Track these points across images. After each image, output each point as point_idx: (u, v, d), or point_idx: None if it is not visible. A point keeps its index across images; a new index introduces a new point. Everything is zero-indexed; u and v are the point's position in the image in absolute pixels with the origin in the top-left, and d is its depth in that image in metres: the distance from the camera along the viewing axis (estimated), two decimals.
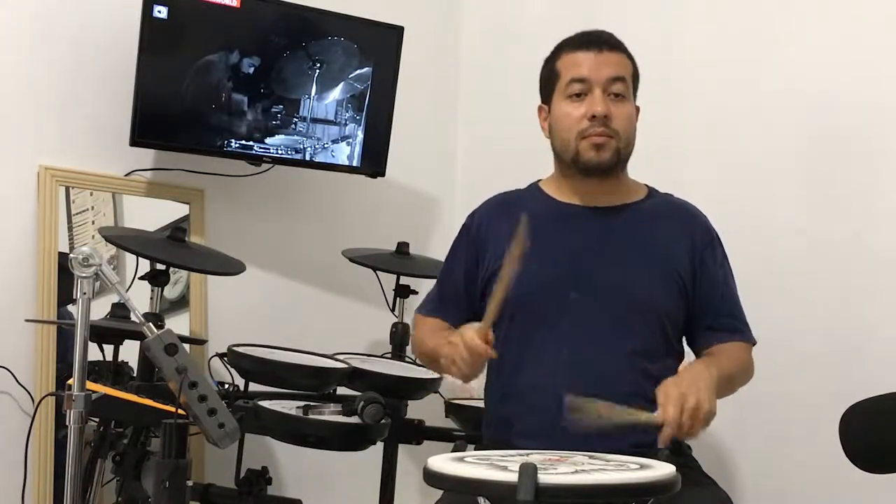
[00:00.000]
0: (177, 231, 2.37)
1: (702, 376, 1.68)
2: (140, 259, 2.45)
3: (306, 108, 2.71)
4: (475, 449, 1.85)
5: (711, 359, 1.86)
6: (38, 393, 2.39)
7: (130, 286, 2.43)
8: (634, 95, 1.93)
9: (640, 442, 1.78)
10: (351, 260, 2.72)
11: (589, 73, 1.87)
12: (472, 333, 1.69)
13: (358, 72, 2.77)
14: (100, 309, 2.35)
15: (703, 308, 1.92)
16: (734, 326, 1.93)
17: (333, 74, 2.73)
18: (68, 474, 1.65)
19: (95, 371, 2.26)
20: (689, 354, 1.98)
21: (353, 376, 2.31)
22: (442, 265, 2.08)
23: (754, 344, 1.95)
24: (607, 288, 1.86)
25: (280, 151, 2.70)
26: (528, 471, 1.21)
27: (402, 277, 2.80)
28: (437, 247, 3.01)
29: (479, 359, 1.69)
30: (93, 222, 2.56)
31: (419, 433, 2.48)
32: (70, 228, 2.53)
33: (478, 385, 2.05)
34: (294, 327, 2.81)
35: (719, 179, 2.59)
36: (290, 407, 2.09)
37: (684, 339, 1.97)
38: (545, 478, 1.22)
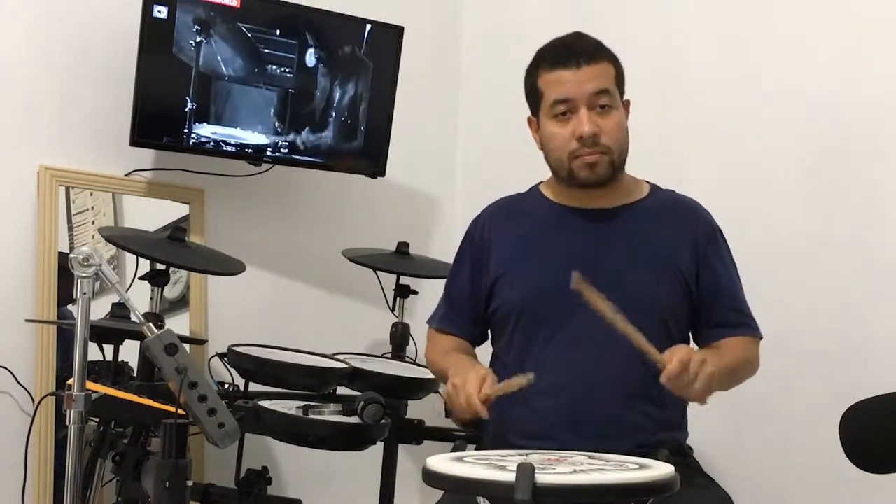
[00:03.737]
0: (177, 231, 2.37)
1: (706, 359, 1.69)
2: (140, 259, 2.45)
3: (306, 107, 2.71)
4: (475, 449, 1.85)
5: (714, 351, 1.85)
6: (38, 393, 2.39)
7: (130, 286, 2.43)
8: (622, 93, 1.90)
9: (641, 443, 1.78)
10: (351, 260, 2.72)
11: (571, 93, 1.83)
12: (475, 389, 1.68)
13: (358, 72, 2.77)
14: (100, 309, 2.35)
15: (708, 303, 1.91)
16: (739, 321, 1.92)
17: (334, 73, 2.73)
18: (68, 474, 1.65)
19: (95, 371, 2.26)
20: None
21: (353, 376, 2.31)
22: (450, 270, 2.07)
23: (760, 338, 1.94)
24: (610, 288, 1.85)
25: (280, 151, 2.70)
26: (526, 471, 1.21)
27: (402, 277, 2.80)
28: (437, 247, 3.02)
29: (475, 415, 1.69)
30: (93, 222, 2.56)
31: (419, 433, 2.48)
32: (70, 228, 2.53)
33: None
34: (294, 327, 2.81)
35: (719, 179, 2.59)
36: (290, 407, 2.09)
37: (690, 336, 1.97)
38: (543, 477, 1.22)
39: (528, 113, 2.00)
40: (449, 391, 1.74)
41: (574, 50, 1.86)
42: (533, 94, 1.92)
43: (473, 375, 1.70)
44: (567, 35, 1.92)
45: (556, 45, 1.91)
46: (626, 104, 1.91)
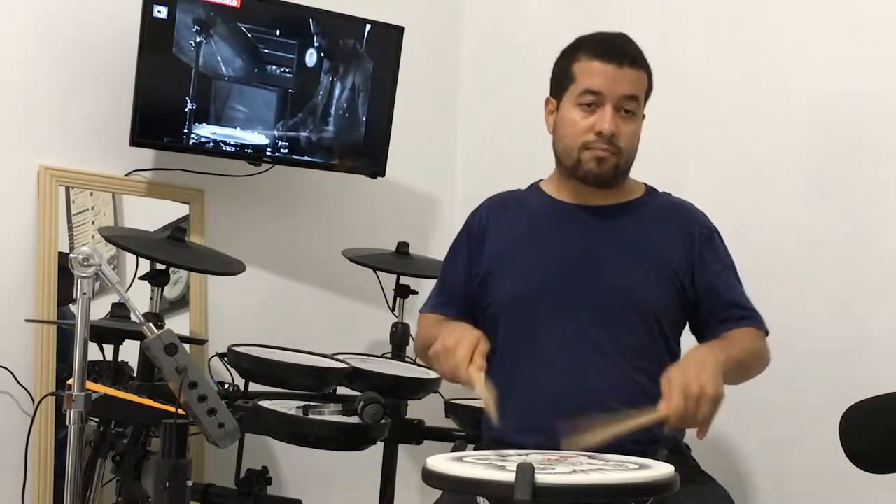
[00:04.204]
0: (177, 231, 2.37)
1: (706, 361, 1.65)
2: (140, 259, 2.45)
3: (306, 108, 2.71)
4: (475, 449, 1.85)
5: (718, 342, 1.83)
6: (38, 393, 2.39)
7: (130, 286, 2.43)
8: (644, 106, 1.93)
9: (639, 439, 1.78)
10: (351, 260, 2.72)
11: (604, 88, 1.84)
12: (465, 358, 1.64)
13: (358, 72, 2.77)
14: (100, 309, 2.35)
15: (707, 303, 1.91)
16: (741, 315, 1.91)
17: (333, 73, 2.73)
18: (68, 474, 1.65)
19: (95, 371, 2.26)
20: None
21: (353, 376, 2.31)
22: (444, 259, 2.08)
23: (766, 332, 1.92)
24: (603, 287, 1.86)
25: (280, 151, 2.70)
26: (526, 471, 1.21)
27: (402, 277, 2.80)
28: (437, 247, 3.01)
29: (461, 381, 1.66)
30: (93, 222, 2.56)
31: (419, 433, 2.48)
32: (70, 228, 2.53)
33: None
34: (294, 327, 2.82)
35: (719, 179, 2.59)
36: (290, 407, 2.09)
37: (693, 336, 1.96)
38: (542, 477, 1.22)
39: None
40: (437, 350, 1.69)
41: (620, 49, 1.88)
42: (563, 77, 1.91)
43: (467, 340, 1.67)
44: (616, 33, 1.92)
45: (604, 38, 1.91)
46: (642, 117, 1.93)
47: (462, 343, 1.67)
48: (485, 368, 1.65)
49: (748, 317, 1.91)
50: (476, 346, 1.67)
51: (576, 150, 1.87)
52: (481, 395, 1.62)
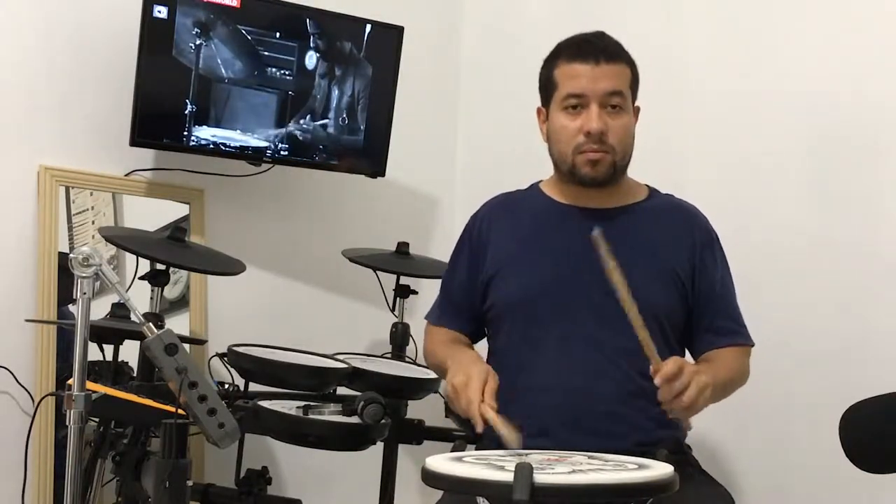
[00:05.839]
0: (177, 231, 2.36)
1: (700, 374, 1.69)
2: (140, 259, 2.45)
3: (306, 108, 2.71)
4: (475, 449, 1.85)
5: (707, 365, 1.86)
6: (38, 393, 2.39)
7: (130, 286, 2.43)
8: (634, 98, 1.92)
9: (641, 441, 1.78)
10: (351, 260, 2.72)
11: (585, 89, 1.84)
12: (476, 397, 1.63)
13: (358, 72, 2.77)
14: (100, 309, 2.35)
15: (701, 309, 1.92)
16: (732, 329, 1.93)
17: (333, 74, 2.73)
18: (68, 474, 1.65)
19: (95, 371, 2.26)
20: (687, 357, 1.98)
21: (353, 376, 2.31)
22: (446, 268, 2.08)
23: (752, 346, 1.95)
24: (604, 289, 1.85)
25: (280, 151, 2.70)
26: (524, 471, 1.21)
27: (402, 277, 2.80)
28: (437, 247, 3.01)
29: (471, 418, 1.64)
30: (93, 222, 2.56)
31: (419, 433, 2.48)
32: (70, 228, 2.53)
33: None
34: (294, 327, 2.81)
35: (719, 179, 2.59)
36: (290, 407, 2.09)
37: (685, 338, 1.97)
38: (541, 477, 1.22)
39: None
40: (450, 393, 1.71)
41: (595, 46, 1.88)
42: (547, 85, 1.92)
43: (476, 378, 1.67)
44: (590, 32, 1.93)
45: (578, 40, 1.91)
46: (636, 110, 1.93)
47: (471, 382, 1.66)
48: (496, 408, 1.63)
49: (736, 332, 1.94)
50: (485, 384, 1.66)
51: (570, 155, 1.87)
52: (500, 433, 1.58)
